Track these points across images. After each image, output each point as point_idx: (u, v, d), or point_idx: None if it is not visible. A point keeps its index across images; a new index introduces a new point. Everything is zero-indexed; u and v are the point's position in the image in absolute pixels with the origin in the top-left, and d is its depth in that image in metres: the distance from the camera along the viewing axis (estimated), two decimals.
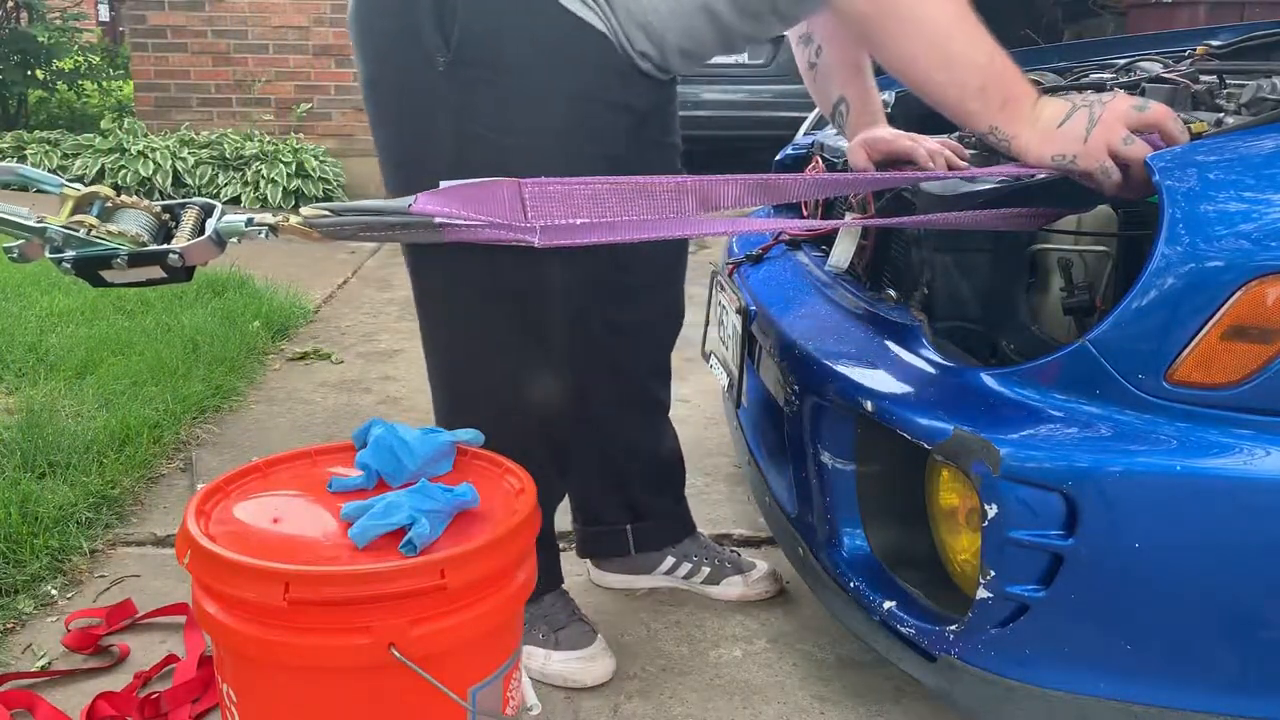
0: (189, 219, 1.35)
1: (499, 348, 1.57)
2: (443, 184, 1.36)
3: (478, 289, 1.52)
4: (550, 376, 1.59)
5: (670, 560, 1.95)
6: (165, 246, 1.30)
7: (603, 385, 1.79)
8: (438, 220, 1.34)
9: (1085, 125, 1.29)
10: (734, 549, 2.01)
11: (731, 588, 1.94)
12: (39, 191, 1.38)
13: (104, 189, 1.34)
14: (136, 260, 1.30)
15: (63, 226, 1.29)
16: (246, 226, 1.33)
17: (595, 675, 1.70)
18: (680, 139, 1.75)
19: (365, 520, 1.22)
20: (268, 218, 1.33)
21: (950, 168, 1.62)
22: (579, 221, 1.34)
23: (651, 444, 1.91)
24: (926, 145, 1.64)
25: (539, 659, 1.70)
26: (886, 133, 1.70)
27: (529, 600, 1.66)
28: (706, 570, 1.94)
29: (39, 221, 1.29)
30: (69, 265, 1.29)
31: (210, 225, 1.33)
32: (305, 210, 1.33)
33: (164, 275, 1.32)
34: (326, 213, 1.33)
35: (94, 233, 1.29)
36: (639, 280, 1.75)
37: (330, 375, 3.21)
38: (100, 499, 2.20)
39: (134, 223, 1.31)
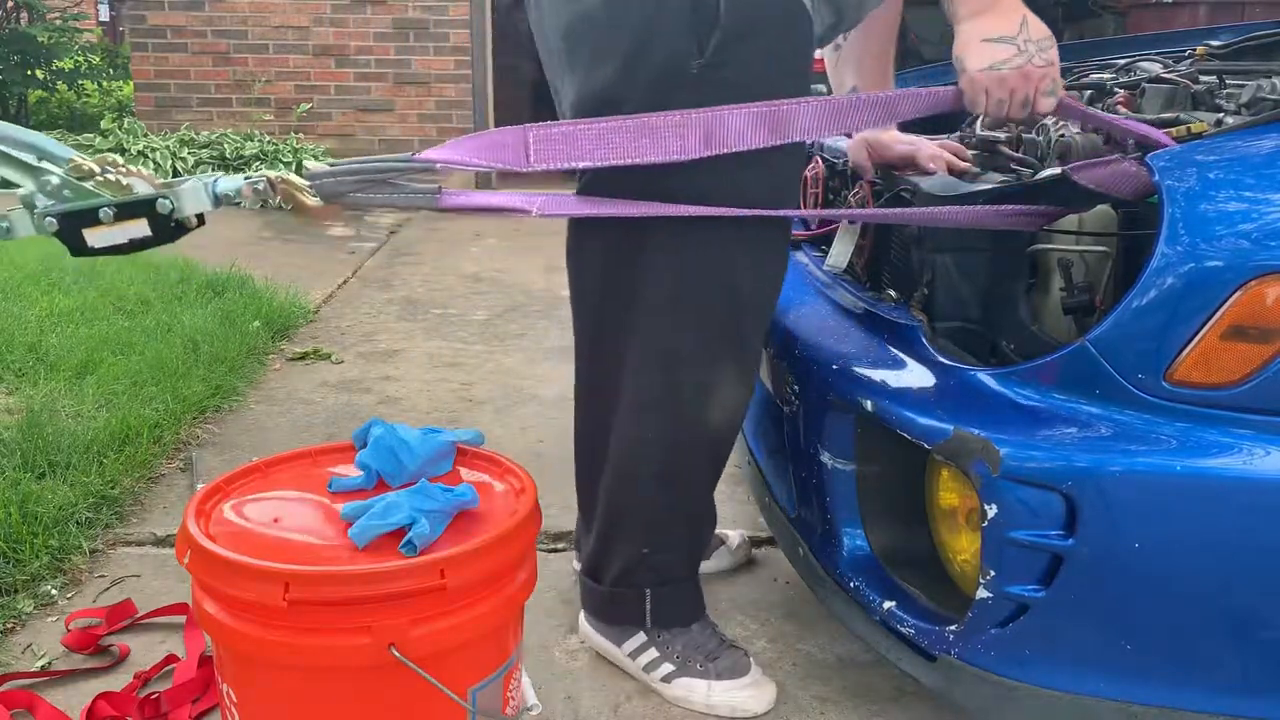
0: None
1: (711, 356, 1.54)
2: (450, 141, 1.35)
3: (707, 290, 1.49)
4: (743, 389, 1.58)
5: None
6: (155, 192, 1.26)
7: None
8: (438, 164, 1.32)
9: (1003, 60, 1.31)
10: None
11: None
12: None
13: (114, 156, 1.30)
14: (125, 213, 1.25)
15: (65, 173, 1.25)
16: (244, 182, 1.30)
17: (765, 701, 1.62)
18: None
19: (365, 520, 1.22)
20: (266, 172, 1.31)
21: (951, 170, 1.62)
22: (582, 165, 1.34)
23: None
24: (926, 149, 1.64)
25: (700, 692, 1.62)
26: (888, 136, 1.69)
27: (678, 629, 1.65)
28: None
29: (39, 160, 1.26)
30: (54, 220, 1.25)
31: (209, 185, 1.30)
32: (307, 164, 1.32)
33: (150, 233, 1.27)
34: (326, 168, 1.32)
35: (93, 180, 1.25)
36: None
37: (330, 375, 3.21)
38: (100, 499, 2.19)
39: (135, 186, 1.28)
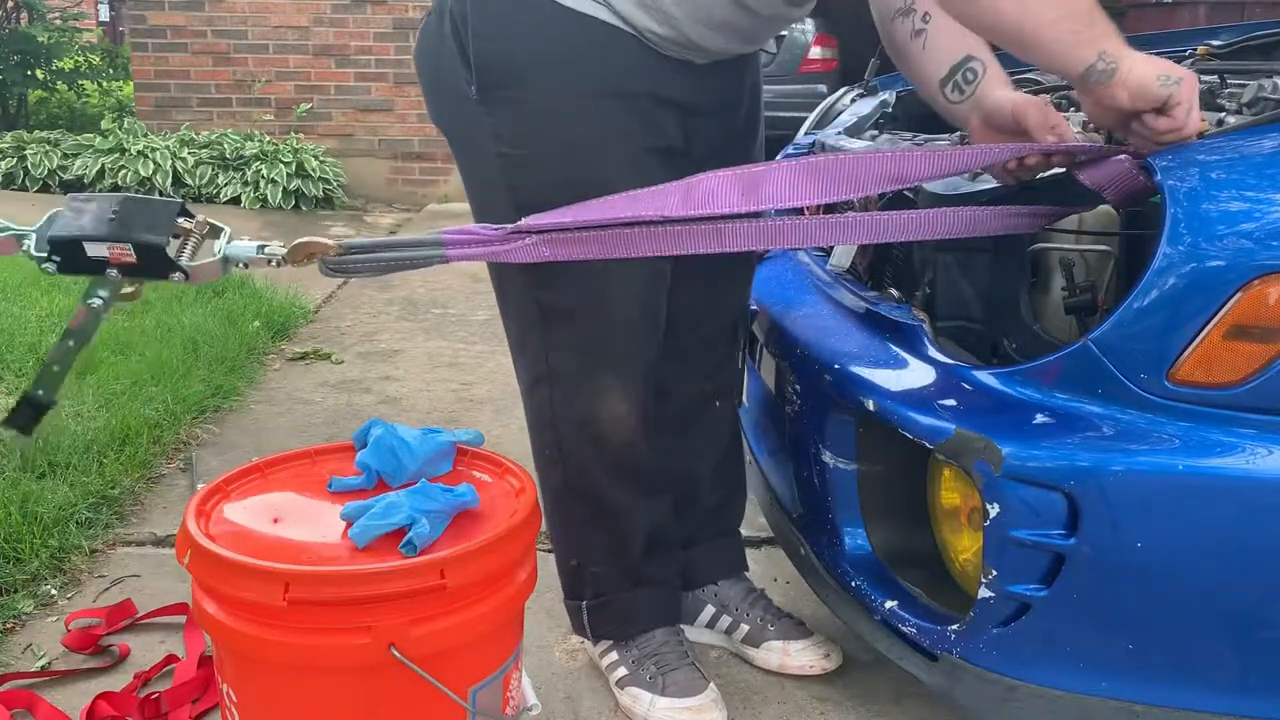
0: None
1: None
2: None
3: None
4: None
5: None
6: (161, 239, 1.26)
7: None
8: (444, 237, 1.31)
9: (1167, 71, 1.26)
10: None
11: None
12: None
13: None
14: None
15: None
16: (257, 253, 1.31)
17: None
18: (762, 129, 1.67)
19: (365, 520, 1.22)
20: (277, 248, 1.33)
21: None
22: (570, 219, 1.28)
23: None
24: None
25: (643, 703, 1.61)
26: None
27: (636, 636, 1.64)
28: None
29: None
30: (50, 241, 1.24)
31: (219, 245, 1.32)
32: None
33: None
34: (337, 249, 1.33)
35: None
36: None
37: (330, 375, 3.21)
38: (100, 499, 2.19)
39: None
